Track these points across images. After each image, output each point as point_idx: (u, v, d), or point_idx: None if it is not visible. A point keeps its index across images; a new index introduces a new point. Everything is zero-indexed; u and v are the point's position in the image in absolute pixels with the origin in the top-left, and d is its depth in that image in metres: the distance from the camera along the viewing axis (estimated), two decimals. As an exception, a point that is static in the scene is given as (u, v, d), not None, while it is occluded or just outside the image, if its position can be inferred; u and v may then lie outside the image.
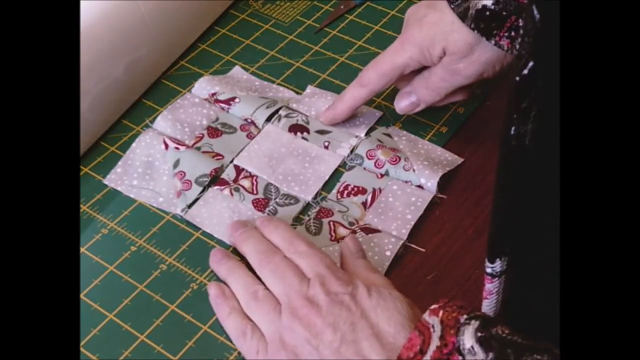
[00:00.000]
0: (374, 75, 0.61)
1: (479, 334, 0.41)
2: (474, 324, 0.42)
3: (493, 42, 0.56)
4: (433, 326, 0.43)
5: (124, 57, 0.63)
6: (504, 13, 0.56)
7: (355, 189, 0.59)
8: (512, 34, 0.56)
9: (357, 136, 0.62)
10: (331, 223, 0.57)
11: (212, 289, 0.53)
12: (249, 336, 0.49)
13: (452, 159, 0.61)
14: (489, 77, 0.60)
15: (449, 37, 0.57)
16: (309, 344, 0.46)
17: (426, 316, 0.43)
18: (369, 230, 0.56)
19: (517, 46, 0.56)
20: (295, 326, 0.47)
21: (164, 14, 0.66)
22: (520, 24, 0.56)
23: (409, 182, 0.59)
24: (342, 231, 0.56)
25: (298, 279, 0.50)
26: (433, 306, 0.44)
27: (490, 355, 0.40)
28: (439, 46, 0.58)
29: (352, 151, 0.61)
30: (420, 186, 0.59)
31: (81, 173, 0.61)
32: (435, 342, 0.42)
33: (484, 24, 0.56)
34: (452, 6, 0.57)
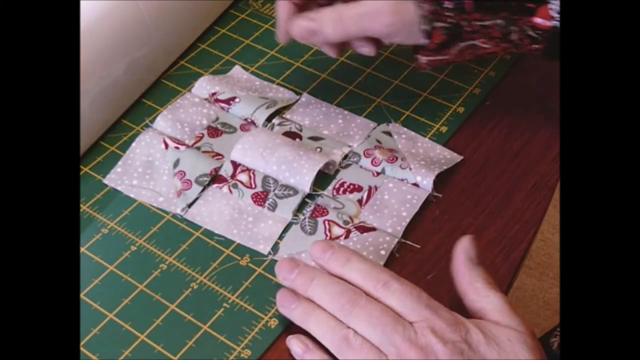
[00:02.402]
0: None
1: None
2: None
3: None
4: None
5: (124, 57, 0.63)
6: None
7: (351, 186, 0.59)
8: (437, 8, 0.55)
9: (349, 145, 0.62)
10: (326, 222, 0.57)
11: (294, 346, 0.48)
12: None
13: (450, 157, 0.61)
14: (398, 40, 0.57)
15: None
16: None
17: None
18: (363, 229, 0.56)
19: (431, 23, 0.54)
20: None
21: (164, 14, 0.66)
22: (449, 5, 0.55)
23: (405, 180, 0.59)
24: (337, 230, 0.56)
25: (400, 324, 0.45)
26: None
27: None
28: None
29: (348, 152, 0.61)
30: (416, 184, 0.59)
31: (81, 173, 0.61)
32: None
33: None
34: None
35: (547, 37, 0.56)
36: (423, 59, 0.59)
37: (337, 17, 0.57)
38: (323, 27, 0.58)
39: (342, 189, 0.59)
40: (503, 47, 0.58)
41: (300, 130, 0.63)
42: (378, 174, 0.60)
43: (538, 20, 0.55)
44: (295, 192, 0.58)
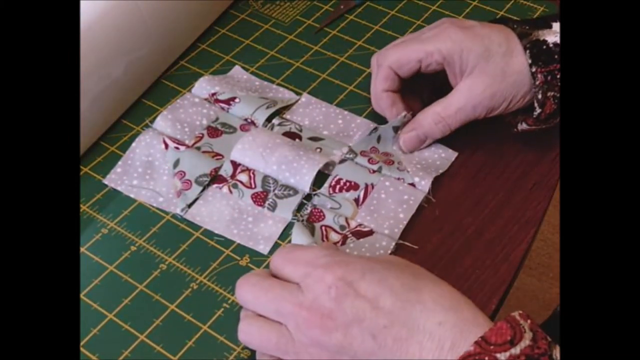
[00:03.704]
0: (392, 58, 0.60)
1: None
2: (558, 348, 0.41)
3: (534, 69, 0.56)
4: (524, 327, 0.41)
5: (124, 57, 0.63)
6: (556, 56, 0.56)
7: (347, 184, 0.59)
8: (549, 78, 0.56)
9: (349, 146, 0.62)
10: (323, 228, 0.57)
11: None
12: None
13: (445, 155, 0.61)
14: (500, 112, 0.59)
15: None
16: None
17: (516, 315, 0.42)
18: (360, 234, 0.56)
19: (545, 92, 0.56)
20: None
21: (164, 14, 0.66)
22: (559, 75, 0.56)
23: (402, 179, 0.59)
24: (334, 236, 0.56)
25: (287, 290, 0.46)
26: (520, 312, 0.42)
27: None
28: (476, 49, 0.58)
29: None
30: (412, 184, 0.59)
31: (81, 173, 0.61)
32: (527, 341, 0.41)
33: (536, 50, 0.56)
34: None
35: None
36: (525, 126, 0.60)
37: (439, 119, 0.60)
38: (429, 133, 0.61)
39: (338, 186, 0.59)
40: None
41: (300, 131, 0.63)
42: (374, 171, 0.60)
43: None
44: (295, 192, 0.58)
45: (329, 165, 0.60)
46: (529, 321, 0.42)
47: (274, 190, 0.58)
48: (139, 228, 0.57)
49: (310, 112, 0.65)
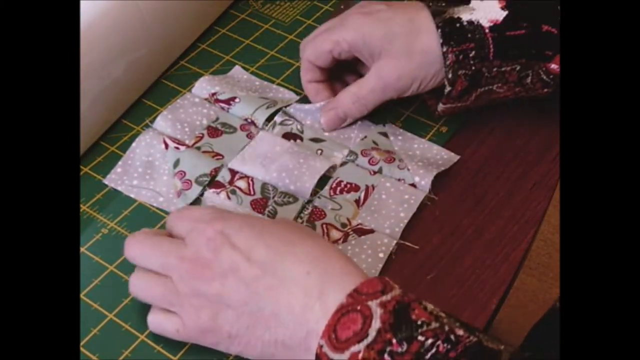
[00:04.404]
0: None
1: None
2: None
3: (445, 48, 0.57)
4: (394, 286, 0.45)
5: (124, 57, 0.63)
6: (469, 35, 0.57)
7: (348, 185, 0.59)
8: (461, 57, 0.57)
9: (350, 149, 0.62)
10: (324, 226, 0.57)
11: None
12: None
13: (447, 157, 0.61)
14: (413, 92, 0.60)
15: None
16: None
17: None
18: (361, 231, 0.56)
19: (455, 71, 0.58)
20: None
21: (164, 14, 0.66)
22: (473, 54, 0.57)
23: (402, 180, 0.59)
24: (335, 234, 0.56)
25: (174, 244, 0.49)
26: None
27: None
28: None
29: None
30: (413, 184, 0.59)
31: (81, 173, 0.61)
32: (397, 290, 0.44)
33: (448, 29, 0.57)
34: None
35: (557, 81, 0.58)
36: (442, 106, 0.61)
37: (355, 99, 0.61)
38: (348, 112, 0.62)
39: (339, 188, 0.59)
40: (516, 91, 0.60)
41: (302, 132, 0.63)
42: (375, 172, 0.60)
43: (553, 66, 0.58)
44: (295, 199, 0.58)
45: (330, 168, 0.60)
46: (397, 285, 0.45)
47: (273, 197, 0.58)
48: (139, 228, 0.57)
49: (315, 111, 0.64)
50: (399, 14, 0.59)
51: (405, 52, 0.58)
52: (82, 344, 0.51)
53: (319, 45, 0.61)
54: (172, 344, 0.51)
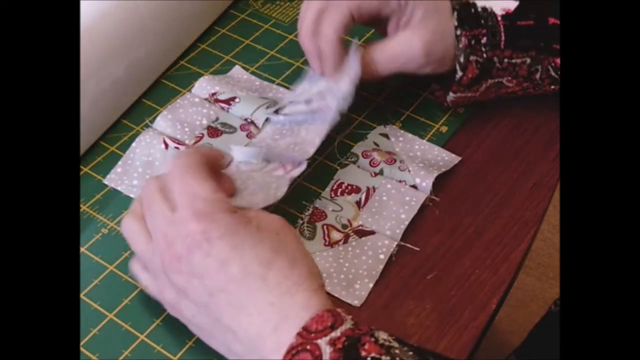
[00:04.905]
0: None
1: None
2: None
3: (459, 32, 0.57)
4: (345, 317, 0.43)
5: (124, 57, 0.63)
6: (482, 21, 0.58)
7: (349, 187, 0.59)
8: (473, 42, 0.58)
9: (351, 151, 0.61)
10: (325, 227, 0.57)
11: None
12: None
13: (449, 159, 0.61)
14: (424, 71, 0.60)
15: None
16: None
17: (338, 309, 0.44)
18: (362, 233, 0.56)
19: (467, 56, 0.58)
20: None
21: (164, 14, 0.66)
22: (485, 40, 0.58)
23: (403, 182, 0.59)
24: (335, 235, 0.56)
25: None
26: (343, 309, 0.45)
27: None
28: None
29: (346, 151, 0.61)
30: (414, 186, 0.59)
31: (81, 173, 0.61)
32: (348, 324, 0.43)
33: (464, 13, 0.58)
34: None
35: None
36: (452, 95, 0.61)
37: (370, 61, 0.59)
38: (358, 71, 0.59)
39: (340, 190, 0.59)
40: (524, 87, 0.61)
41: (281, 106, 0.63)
42: (376, 174, 0.60)
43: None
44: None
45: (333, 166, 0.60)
46: (350, 316, 0.44)
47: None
48: (139, 228, 0.57)
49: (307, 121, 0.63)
50: None
51: (441, 30, 0.58)
52: (82, 344, 0.51)
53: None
54: (172, 344, 0.51)
